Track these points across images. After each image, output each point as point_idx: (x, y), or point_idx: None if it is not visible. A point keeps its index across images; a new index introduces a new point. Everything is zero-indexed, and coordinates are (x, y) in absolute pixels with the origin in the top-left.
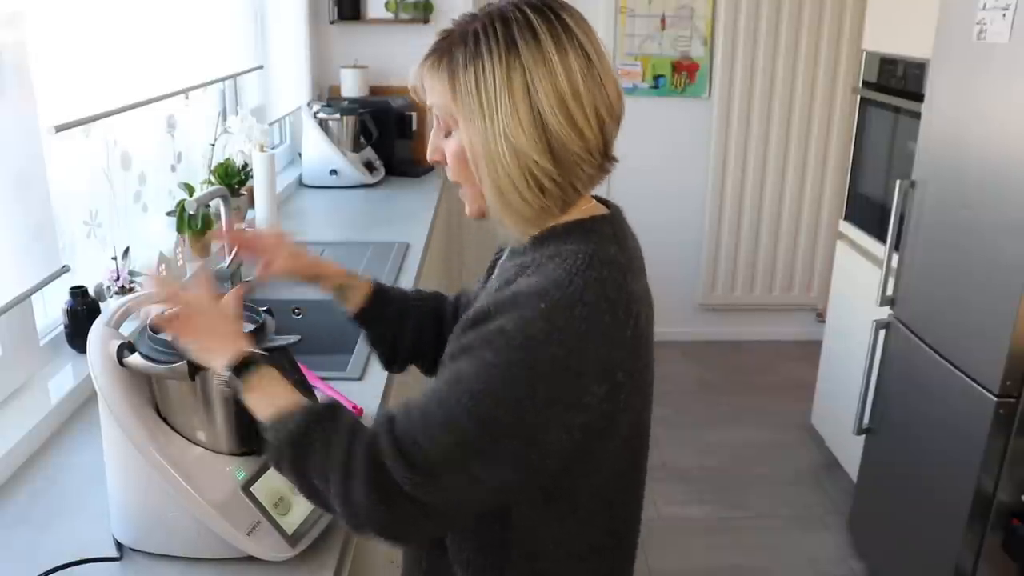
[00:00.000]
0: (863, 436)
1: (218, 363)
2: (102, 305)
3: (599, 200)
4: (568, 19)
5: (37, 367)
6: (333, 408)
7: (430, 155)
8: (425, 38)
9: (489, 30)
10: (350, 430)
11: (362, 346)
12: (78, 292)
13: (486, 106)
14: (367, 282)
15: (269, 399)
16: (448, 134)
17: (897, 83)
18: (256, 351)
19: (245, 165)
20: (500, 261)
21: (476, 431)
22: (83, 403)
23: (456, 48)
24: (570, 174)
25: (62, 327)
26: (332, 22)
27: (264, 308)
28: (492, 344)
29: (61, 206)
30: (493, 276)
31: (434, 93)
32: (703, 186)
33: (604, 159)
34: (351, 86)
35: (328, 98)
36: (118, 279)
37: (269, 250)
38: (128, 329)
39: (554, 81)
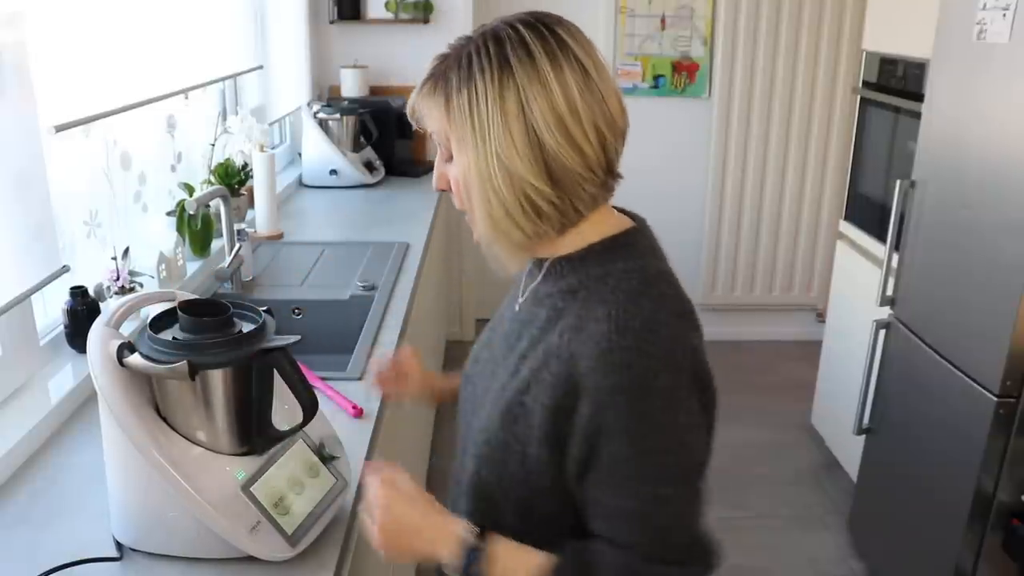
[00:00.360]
0: (863, 436)
1: (444, 557)
2: (102, 305)
3: (618, 210)
4: (564, 34)
5: (37, 367)
6: (586, 565)
7: (435, 183)
8: (425, 38)
9: (482, 50)
10: None
11: (362, 346)
12: (78, 292)
13: (479, 128)
14: None
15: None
16: (450, 160)
17: (897, 83)
18: (471, 531)
19: (245, 165)
20: (532, 285)
21: (682, 481)
22: (83, 403)
23: (451, 71)
24: (570, 195)
25: (62, 327)
26: (332, 22)
27: (264, 308)
28: (615, 407)
29: (61, 206)
30: (523, 300)
31: (431, 119)
32: (703, 186)
33: (607, 176)
34: (351, 86)
35: (328, 98)
36: (118, 279)
37: (409, 373)
38: (128, 329)
39: (550, 98)
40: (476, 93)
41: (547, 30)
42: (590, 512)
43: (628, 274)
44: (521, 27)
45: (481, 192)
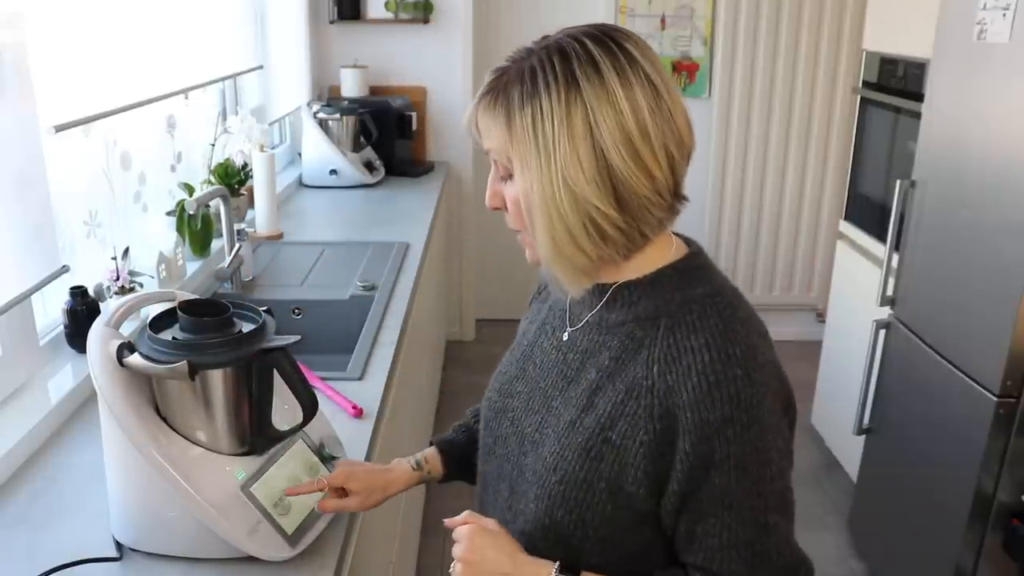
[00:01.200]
0: (863, 436)
1: None
2: (102, 305)
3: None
4: (633, 49)
5: (37, 367)
6: None
7: (489, 201)
8: (425, 38)
9: (547, 66)
10: None
11: (362, 346)
12: (78, 292)
13: (543, 148)
14: (431, 450)
15: None
16: (507, 178)
17: (897, 83)
18: (555, 568)
19: (245, 165)
20: (591, 313)
21: (782, 507)
22: (83, 403)
23: (512, 86)
24: (637, 219)
25: (62, 327)
26: (332, 22)
27: (264, 308)
28: (723, 438)
29: (61, 206)
30: (576, 328)
31: (490, 136)
32: (703, 186)
33: (675, 199)
34: (351, 86)
35: (328, 98)
36: (118, 279)
37: (354, 484)
38: (128, 329)
39: (619, 119)
40: (541, 111)
41: (615, 45)
42: (684, 543)
43: (712, 299)
44: (588, 41)
45: (544, 214)
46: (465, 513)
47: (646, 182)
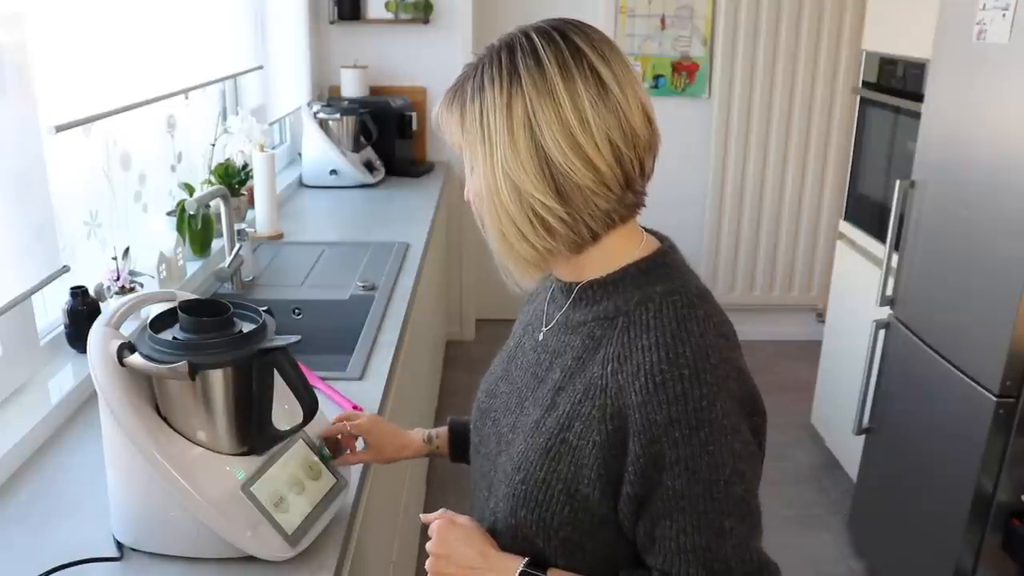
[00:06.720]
0: (863, 436)
1: None
2: (102, 305)
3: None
4: (580, 41)
5: (37, 367)
6: None
7: (466, 196)
8: (425, 38)
9: (495, 60)
10: None
11: (362, 346)
12: (78, 292)
13: (487, 141)
14: (444, 429)
15: None
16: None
17: (897, 83)
18: (529, 566)
19: (245, 165)
20: (560, 313)
21: (741, 511)
22: (83, 403)
23: (467, 82)
24: (580, 211)
25: (62, 327)
26: (332, 22)
27: (264, 308)
28: (671, 440)
29: (61, 206)
30: (549, 328)
31: (449, 131)
32: (703, 186)
33: (625, 193)
34: (351, 86)
35: (328, 98)
36: (118, 279)
37: (373, 437)
38: (128, 329)
39: (558, 110)
40: (485, 104)
41: (561, 38)
42: (646, 545)
43: (670, 297)
44: (535, 35)
45: (490, 206)
46: (440, 510)
47: (588, 174)
